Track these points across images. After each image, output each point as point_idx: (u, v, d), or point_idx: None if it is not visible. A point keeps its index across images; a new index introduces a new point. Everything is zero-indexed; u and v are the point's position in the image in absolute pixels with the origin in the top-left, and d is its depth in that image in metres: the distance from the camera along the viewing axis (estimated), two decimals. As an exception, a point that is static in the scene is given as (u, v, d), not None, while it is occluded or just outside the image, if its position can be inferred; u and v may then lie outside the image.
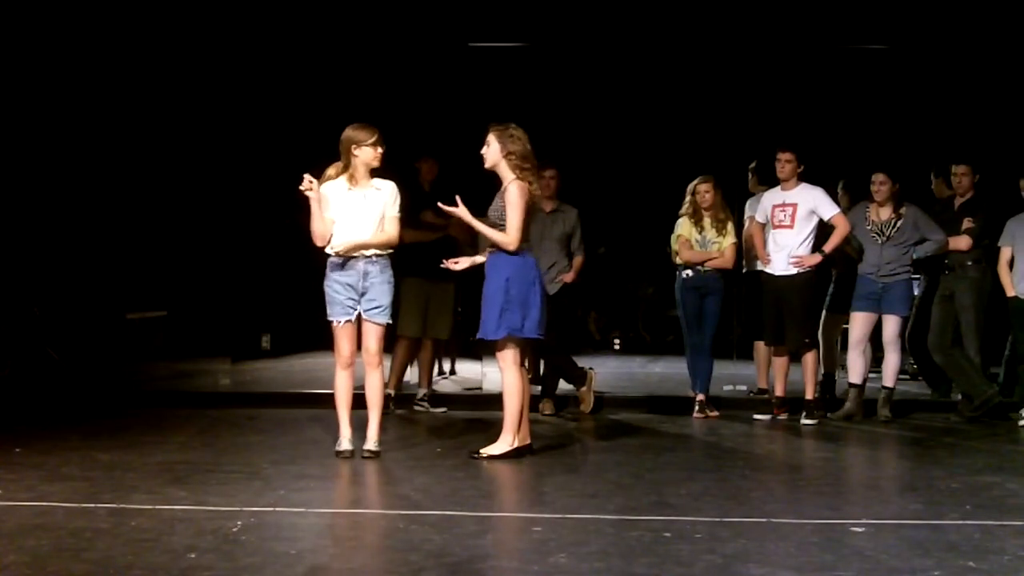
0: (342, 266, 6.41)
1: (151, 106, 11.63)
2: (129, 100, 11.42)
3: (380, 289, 6.42)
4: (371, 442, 6.44)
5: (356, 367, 6.50)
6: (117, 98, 11.31)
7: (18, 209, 10.47)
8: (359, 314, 6.42)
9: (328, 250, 6.44)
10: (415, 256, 8.37)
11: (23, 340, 9.98)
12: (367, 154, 6.37)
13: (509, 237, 6.33)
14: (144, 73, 11.41)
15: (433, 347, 8.79)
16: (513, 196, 6.32)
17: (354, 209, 6.39)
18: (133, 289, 11.82)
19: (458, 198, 6.46)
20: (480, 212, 6.55)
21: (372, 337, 6.45)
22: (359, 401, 6.54)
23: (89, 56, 10.84)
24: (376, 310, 6.42)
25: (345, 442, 6.46)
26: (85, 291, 11.18)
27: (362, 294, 6.40)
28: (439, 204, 6.58)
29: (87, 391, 9.30)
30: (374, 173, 6.48)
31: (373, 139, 6.38)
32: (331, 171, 6.46)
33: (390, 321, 6.56)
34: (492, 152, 6.41)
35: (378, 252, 6.43)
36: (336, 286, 6.42)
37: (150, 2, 10.81)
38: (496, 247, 6.40)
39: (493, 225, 6.39)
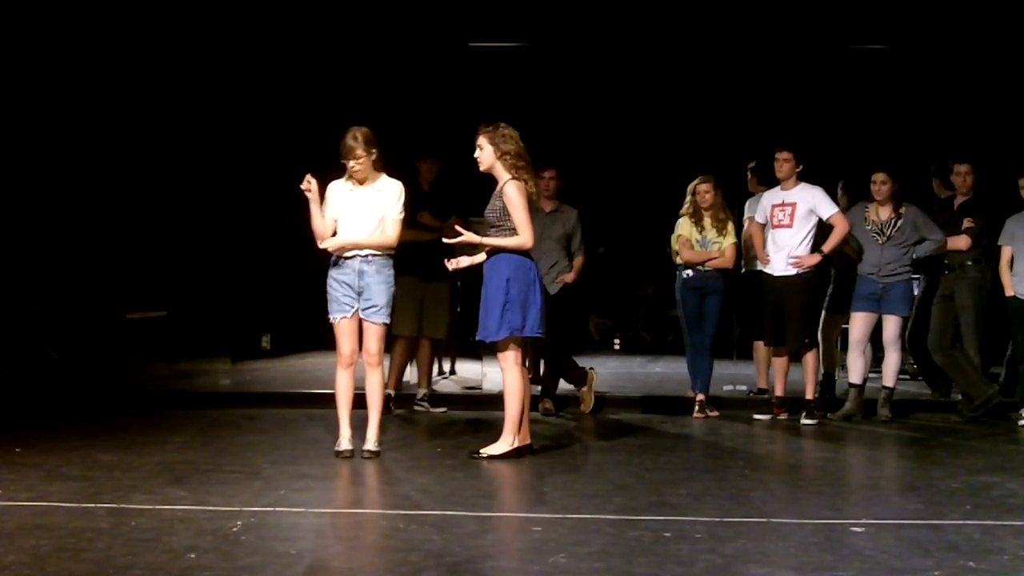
0: (339, 265, 6.44)
1: (151, 107, 11.63)
2: (129, 100, 11.42)
3: (377, 289, 6.42)
4: (371, 442, 6.45)
5: (357, 367, 6.51)
6: (117, 98, 11.30)
7: (18, 209, 10.46)
8: (358, 313, 6.43)
9: (322, 245, 6.46)
10: (411, 256, 8.37)
11: (23, 340, 9.97)
12: (349, 167, 6.41)
13: (523, 238, 6.33)
14: (144, 73, 11.41)
15: (431, 347, 8.78)
16: (513, 196, 6.32)
17: (353, 209, 6.41)
18: (133, 289, 11.81)
19: (459, 227, 6.49)
20: (477, 213, 6.54)
21: (372, 337, 6.45)
22: (359, 401, 6.55)
23: (89, 56, 10.84)
24: (372, 310, 6.42)
25: (345, 442, 6.46)
26: (85, 291, 11.17)
27: (359, 293, 6.42)
28: (444, 240, 6.60)
29: (87, 391, 9.30)
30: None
31: (345, 153, 6.35)
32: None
33: (387, 321, 6.55)
34: (486, 155, 6.40)
35: (374, 252, 6.43)
36: (335, 284, 6.44)
37: (150, 2, 10.82)
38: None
39: (493, 227, 6.40)
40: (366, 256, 6.41)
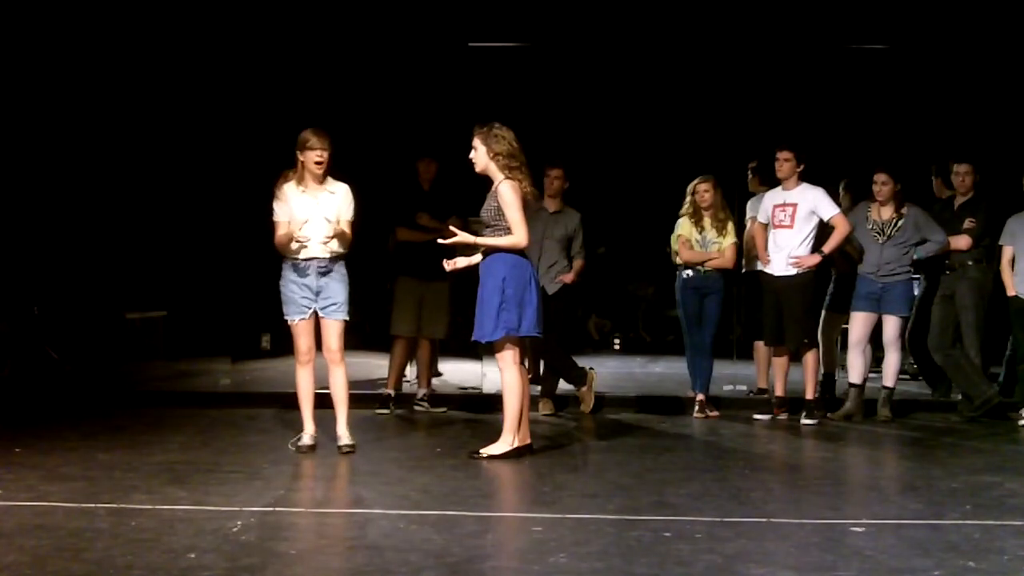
0: (297, 268, 6.49)
1: (150, 106, 11.62)
2: (128, 100, 11.41)
3: (336, 287, 6.51)
4: (344, 438, 6.51)
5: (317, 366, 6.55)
6: (116, 98, 11.30)
7: (18, 209, 10.46)
8: (316, 312, 6.50)
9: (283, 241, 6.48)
10: (409, 256, 8.39)
11: (23, 340, 9.97)
12: (308, 158, 6.45)
13: (517, 237, 6.34)
14: (144, 73, 11.40)
15: (431, 347, 8.77)
16: (507, 196, 6.32)
17: (308, 211, 6.45)
18: (133, 289, 11.81)
19: (455, 228, 6.51)
20: (477, 213, 6.55)
21: (332, 334, 6.52)
22: (324, 400, 6.58)
23: (89, 56, 10.83)
24: (333, 307, 6.49)
25: (307, 438, 6.57)
26: (85, 291, 11.17)
27: (318, 292, 6.49)
28: (439, 241, 6.61)
29: (87, 391, 9.29)
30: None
31: (313, 143, 6.41)
32: (291, 173, 6.51)
33: (347, 318, 6.57)
34: (480, 156, 6.43)
35: (333, 255, 6.50)
36: (292, 286, 6.52)
37: (151, 2, 10.81)
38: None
39: (489, 226, 6.40)
40: (324, 259, 6.48)
